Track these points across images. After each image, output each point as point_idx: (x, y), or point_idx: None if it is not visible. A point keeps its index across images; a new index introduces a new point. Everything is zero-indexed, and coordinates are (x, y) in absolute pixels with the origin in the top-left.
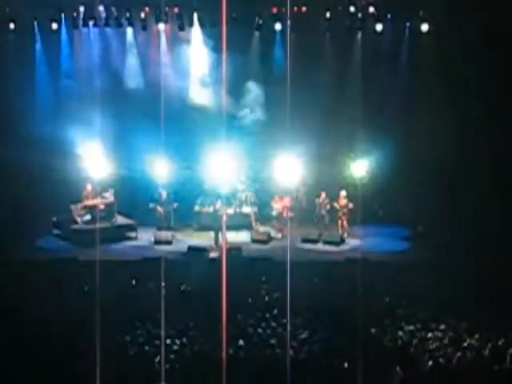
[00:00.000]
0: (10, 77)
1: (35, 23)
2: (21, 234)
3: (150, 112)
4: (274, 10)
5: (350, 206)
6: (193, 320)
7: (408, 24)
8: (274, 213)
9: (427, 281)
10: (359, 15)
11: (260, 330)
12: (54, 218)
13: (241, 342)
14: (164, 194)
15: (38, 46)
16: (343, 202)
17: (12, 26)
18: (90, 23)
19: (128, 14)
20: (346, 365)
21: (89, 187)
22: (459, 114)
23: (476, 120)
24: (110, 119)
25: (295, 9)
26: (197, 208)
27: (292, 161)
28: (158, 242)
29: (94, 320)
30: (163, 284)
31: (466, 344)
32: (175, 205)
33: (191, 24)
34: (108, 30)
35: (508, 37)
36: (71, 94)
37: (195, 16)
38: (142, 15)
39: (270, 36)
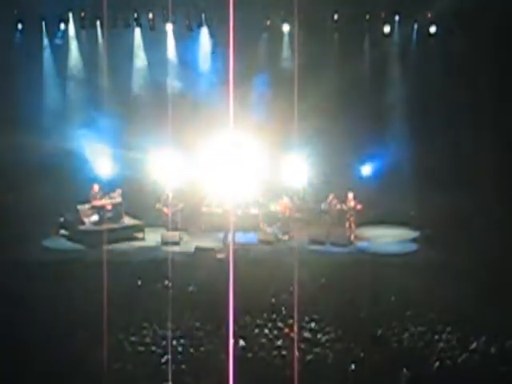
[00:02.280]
0: (17, 76)
1: (43, 23)
2: (28, 235)
3: (157, 112)
4: (282, 12)
5: (359, 207)
6: (199, 321)
7: (416, 26)
8: (279, 215)
9: (434, 282)
10: (367, 17)
11: (267, 331)
12: (61, 219)
13: (247, 343)
14: (170, 195)
15: (46, 45)
16: (351, 203)
17: (20, 26)
18: (98, 23)
19: (136, 15)
20: (352, 366)
21: (96, 188)
22: (468, 116)
23: (485, 122)
24: (117, 119)
25: (303, 10)
26: (204, 209)
27: (300, 161)
28: (165, 242)
29: (101, 320)
30: (170, 284)
31: (472, 346)
32: (180, 206)
33: (199, 24)
34: (116, 30)
35: None
36: (78, 94)
37: (203, 16)
38: (150, 15)
39: (278, 37)
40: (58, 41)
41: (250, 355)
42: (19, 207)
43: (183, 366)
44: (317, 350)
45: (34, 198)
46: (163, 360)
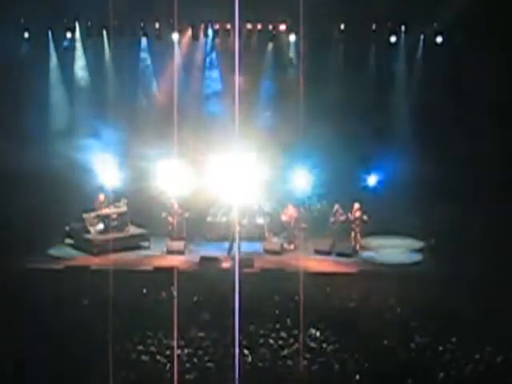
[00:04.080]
0: (24, 85)
1: (49, 32)
2: (34, 243)
3: (163, 121)
4: (288, 21)
5: (365, 217)
6: (204, 330)
7: (422, 36)
8: (284, 225)
9: (439, 293)
10: (373, 27)
11: (272, 341)
12: (67, 228)
13: (252, 353)
14: (176, 204)
15: (52, 54)
16: (357, 213)
17: (26, 34)
18: (104, 32)
19: (142, 24)
20: (357, 377)
21: (101, 197)
22: (473, 126)
23: (490, 132)
24: (123, 129)
25: (309, 20)
26: (209, 218)
27: (305, 171)
28: (170, 251)
29: (107, 329)
30: (175, 294)
31: (477, 356)
32: (187, 214)
33: (205, 34)
34: (122, 39)
35: None
36: (84, 103)
37: (209, 26)
38: (157, 25)
39: (284, 47)
40: (65, 45)
41: (254, 365)
42: (25, 216)
43: (187, 376)
44: (322, 359)
45: (40, 207)
46: (167, 369)
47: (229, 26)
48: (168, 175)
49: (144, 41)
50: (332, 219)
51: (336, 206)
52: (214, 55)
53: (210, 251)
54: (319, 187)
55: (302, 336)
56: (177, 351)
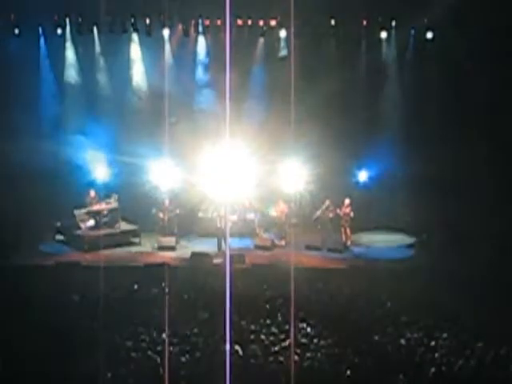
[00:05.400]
0: (14, 82)
1: (40, 29)
2: (25, 239)
3: (153, 118)
4: (279, 17)
5: (351, 214)
6: (195, 326)
7: (413, 32)
8: (275, 221)
9: (430, 288)
10: (364, 22)
11: (263, 337)
12: (58, 224)
13: (243, 349)
14: (167, 200)
15: (43, 51)
16: (347, 209)
17: (17, 31)
18: (95, 28)
19: (133, 20)
20: (348, 372)
21: (92, 193)
22: (464, 122)
23: (481, 128)
24: (113, 125)
25: (300, 16)
26: (200, 214)
27: (296, 167)
28: (161, 247)
29: (97, 325)
30: (166, 290)
31: (468, 352)
32: (177, 210)
33: (196, 30)
34: (113, 35)
35: None
36: (75, 100)
37: (200, 22)
38: (147, 21)
39: (275, 42)
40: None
41: (246, 361)
42: (16, 212)
43: (178, 372)
44: (312, 355)
45: (31, 203)
46: (158, 364)
47: (219, 22)
48: (159, 171)
49: (135, 37)
50: (320, 212)
51: (327, 202)
52: (204, 51)
53: (201, 247)
54: (310, 183)
55: (294, 331)
56: (168, 347)
